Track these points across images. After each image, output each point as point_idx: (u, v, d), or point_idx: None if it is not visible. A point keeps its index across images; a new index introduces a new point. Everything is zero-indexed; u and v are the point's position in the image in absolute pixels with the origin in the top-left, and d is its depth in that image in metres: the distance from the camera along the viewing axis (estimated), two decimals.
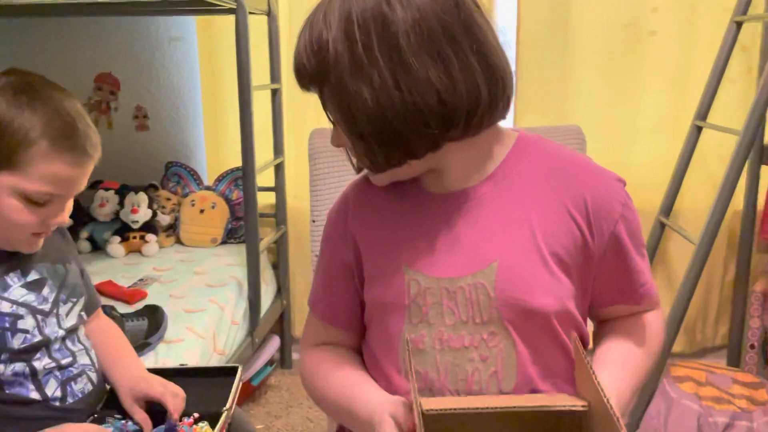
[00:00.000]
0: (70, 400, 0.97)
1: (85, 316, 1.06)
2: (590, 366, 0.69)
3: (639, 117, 2.17)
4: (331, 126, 0.82)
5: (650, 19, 2.11)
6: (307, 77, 0.77)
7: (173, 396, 1.00)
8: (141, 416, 1.00)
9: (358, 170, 0.86)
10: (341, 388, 0.85)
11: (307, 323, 0.95)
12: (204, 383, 1.07)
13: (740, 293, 2.20)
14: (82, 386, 0.99)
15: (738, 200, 2.08)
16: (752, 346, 2.21)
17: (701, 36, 2.09)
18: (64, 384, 0.97)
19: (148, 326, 1.53)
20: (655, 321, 0.88)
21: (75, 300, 1.03)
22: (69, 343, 1.00)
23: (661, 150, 2.18)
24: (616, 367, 0.81)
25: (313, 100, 2.60)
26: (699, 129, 2.06)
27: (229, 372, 1.08)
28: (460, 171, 0.81)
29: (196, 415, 0.99)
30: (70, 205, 0.98)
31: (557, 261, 0.78)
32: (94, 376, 1.02)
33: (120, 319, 1.46)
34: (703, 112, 2.05)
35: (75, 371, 0.99)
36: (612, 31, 2.12)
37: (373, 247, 0.84)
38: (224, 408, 0.99)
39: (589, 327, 0.89)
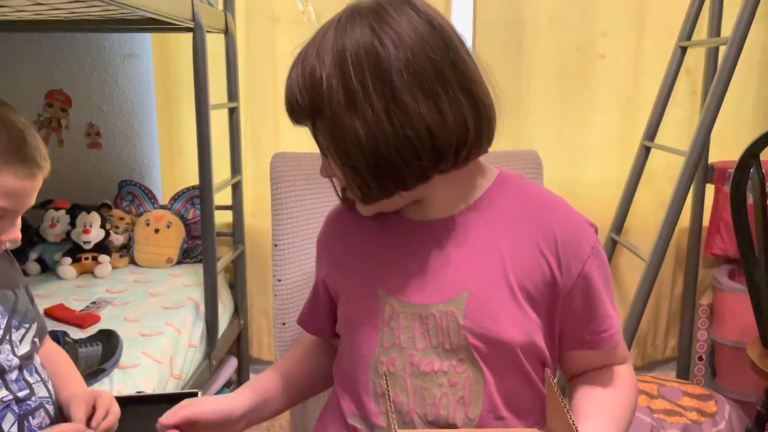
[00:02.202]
0: None
1: (38, 342, 1.02)
2: (563, 401, 0.70)
3: (590, 137, 2.24)
4: (320, 156, 0.84)
5: (600, 43, 2.18)
6: (300, 112, 0.79)
7: (104, 408, 0.96)
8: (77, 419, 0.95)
9: (345, 200, 0.89)
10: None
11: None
12: (163, 410, 1.05)
13: (688, 307, 2.28)
14: (39, 421, 0.95)
15: (685, 217, 2.15)
16: (700, 358, 2.28)
17: (648, 59, 2.17)
18: (21, 419, 0.93)
19: (102, 352, 1.49)
20: (626, 373, 0.88)
21: (27, 326, 1.00)
22: (26, 374, 0.96)
23: (612, 169, 2.25)
24: (601, 415, 0.80)
25: (271, 119, 2.58)
26: (647, 149, 2.14)
27: (188, 397, 1.06)
28: (443, 201, 0.83)
29: None
30: (19, 222, 0.95)
31: (525, 295, 0.80)
32: (51, 409, 0.98)
33: (73, 345, 1.42)
34: (651, 133, 2.13)
35: (33, 405, 0.95)
36: (564, 54, 2.19)
37: (351, 269, 0.87)
38: None
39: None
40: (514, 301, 0.79)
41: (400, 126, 0.74)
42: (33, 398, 0.96)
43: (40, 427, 0.95)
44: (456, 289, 0.80)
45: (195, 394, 1.07)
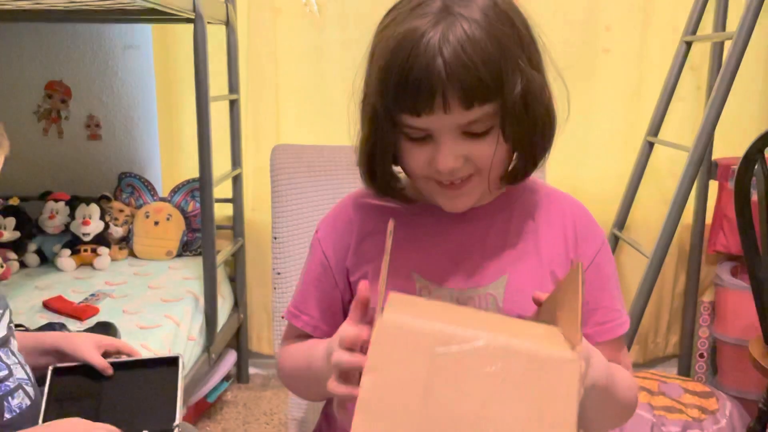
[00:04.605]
0: (7, 416, 0.93)
1: (14, 327, 1.02)
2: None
3: (593, 132, 2.22)
4: (461, 146, 0.71)
5: (604, 38, 2.16)
6: (488, 90, 0.67)
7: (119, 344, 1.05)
8: (101, 362, 1.00)
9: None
10: (303, 351, 0.83)
11: (285, 329, 0.92)
12: (145, 378, 1.02)
13: (690, 304, 2.27)
14: (19, 401, 0.96)
15: (687, 214, 2.14)
16: (701, 355, 2.27)
17: (653, 54, 2.15)
18: (0, 400, 0.93)
19: None
20: (629, 372, 0.87)
21: (1, 311, 0.99)
22: (3, 356, 0.96)
23: (615, 165, 2.23)
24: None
25: (272, 111, 2.54)
26: (651, 145, 2.12)
27: (169, 361, 1.03)
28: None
29: None
30: None
31: (554, 279, 0.81)
32: (31, 390, 0.98)
33: None
34: (654, 129, 2.11)
35: (12, 385, 0.95)
36: (567, 48, 2.17)
37: (379, 253, 0.81)
38: (174, 424, 0.96)
39: None
40: (546, 285, 0.80)
41: (552, 107, 0.74)
42: (11, 379, 0.96)
43: (20, 408, 0.95)
44: (495, 274, 0.79)
45: (176, 359, 1.04)
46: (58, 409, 0.97)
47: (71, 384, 1.01)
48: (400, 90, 0.67)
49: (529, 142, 0.74)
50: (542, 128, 0.74)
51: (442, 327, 0.52)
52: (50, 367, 1.02)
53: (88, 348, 1.01)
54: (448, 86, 0.65)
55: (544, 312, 0.70)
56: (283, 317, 0.92)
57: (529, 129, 0.72)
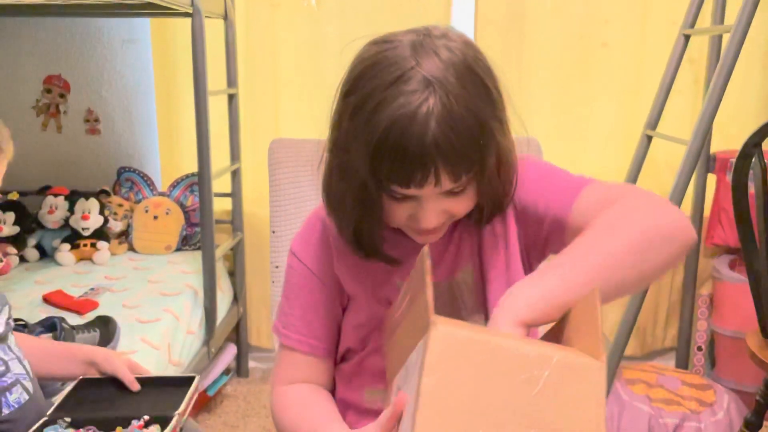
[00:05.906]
0: (5, 411, 0.94)
1: (12, 323, 1.03)
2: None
3: (592, 126, 2.22)
4: (440, 208, 0.76)
5: (602, 31, 2.17)
6: (472, 164, 0.72)
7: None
8: (130, 377, 1.04)
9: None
10: (313, 425, 0.83)
11: (281, 361, 0.92)
12: (159, 391, 1.05)
13: (688, 297, 2.27)
14: (17, 396, 0.96)
15: (686, 207, 2.14)
16: (699, 348, 2.28)
17: (651, 48, 2.16)
18: None
19: (99, 338, 1.49)
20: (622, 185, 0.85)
21: (0, 308, 1.00)
22: (0, 353, 0.97)
23: (613, 158, 2.24)
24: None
25: (270, 105, 2.55)
26: (649, 138, 2.12)
27: (186, 381, 1.06)
28: None
29: (146, 417, 0.96)
30: None
31: (523, 257, 0.86)
32: (29, 385, 0.99)
33: (70, 332, 1.42)
34: (653, 122, 2.11)
35: (9, 381, 0.96)
36: (566, 42, 2.17)
37: (360, 271, 0.86)
38: (176, 412, 0.97)
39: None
40: (512, 267, 0.85)
41: (514, 150, 0.80)
42: (8, 375, 0.97)
43: (18, 403, 0.96)
44: (464, 261, 0.86)
45: (192, 379, 1.06)
46: (72, 404, 1.00)
47: (93, 391, 1.04)
48: (394, 170, 0.71)
49: (498, 196, 0.81)
50: (509, 185, 0.81)
51: (487, 338, 0.59)
52: (80, 377, 1.06)
53: (121, 362, 1.06)
54: (440, 165, 0.70)
55: (553, 339, 0.73)
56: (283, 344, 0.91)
57: (498, 187, 0.80)
